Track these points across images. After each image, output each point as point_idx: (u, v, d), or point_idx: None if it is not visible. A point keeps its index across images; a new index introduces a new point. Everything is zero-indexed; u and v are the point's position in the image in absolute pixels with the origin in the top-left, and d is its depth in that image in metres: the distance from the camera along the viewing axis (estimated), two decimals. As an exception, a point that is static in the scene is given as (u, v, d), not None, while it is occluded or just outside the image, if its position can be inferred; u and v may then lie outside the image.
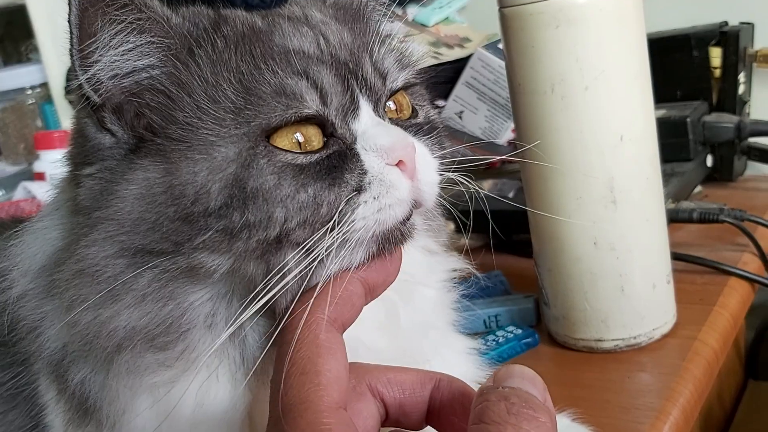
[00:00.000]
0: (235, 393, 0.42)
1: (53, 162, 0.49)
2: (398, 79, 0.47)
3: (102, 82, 0.41)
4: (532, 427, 0.33)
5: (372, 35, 0.46)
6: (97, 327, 0.41)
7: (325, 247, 0.40)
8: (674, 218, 0.83)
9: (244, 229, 0.40)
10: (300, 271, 0.40)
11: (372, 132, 0.43)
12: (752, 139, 1.01)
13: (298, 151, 0.41)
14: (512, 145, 1.04)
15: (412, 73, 0.49)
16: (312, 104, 0.41)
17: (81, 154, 0.44)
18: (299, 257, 0.40)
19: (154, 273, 0.40)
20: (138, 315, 0.40)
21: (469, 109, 1.10)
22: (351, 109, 0.43)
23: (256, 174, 0.40)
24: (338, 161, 0.42)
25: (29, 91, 1.52)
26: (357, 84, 0.44)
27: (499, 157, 0.96)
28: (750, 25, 1.09)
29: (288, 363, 0.36)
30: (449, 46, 1.17)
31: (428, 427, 0.40)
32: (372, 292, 0.42)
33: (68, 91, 1.39)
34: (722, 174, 1.04)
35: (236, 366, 0.42)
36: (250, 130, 0.40)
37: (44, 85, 1.48)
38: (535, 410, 0.34)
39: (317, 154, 0.42)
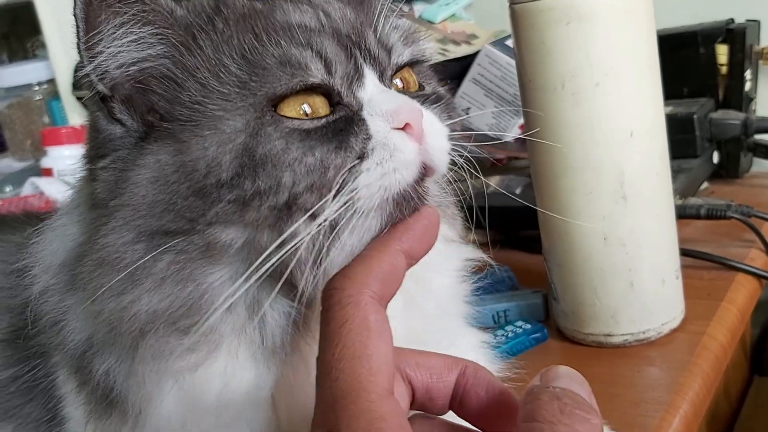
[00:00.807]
0: (258, 373, 0.42)
1: (61, 158, 0.50)
2: (404, 54, 0.47)
3: (108, 72, 0.42)
4: (585, 429, 0.33)
5: (375, 12, 0.47)
6: (120, 313, 0.41)
7: (333, 213, 0.40)
8: (682, 214, 0.83)
9: (256, 197, 0.40)
10: (313, 239, 0.40)
11: (378, 98, 0.43)
12: (758, 136, 1.02)
13: (305, 117, 0.42)
14: (519, 141, 1.04)
15: (419, 50, 0.49)
16: (317, 73, 0.42)
17: (95, 148, 0.45)
18: (309, 223, 0.40)
19: (172, 255, 0.41)
20: (159, 298, 0.41)
21: (476, 105, 1.10)
22: (356, 77, 0.43)
23: (264, 141, 0.40)
24: (345, 125, 0.42)
25: (36, 88, 1.52)
26: (361, 54, 0.44)
27: (512, 154, 0.96)
28: (756, 23, 1.09)
29: (339, 345, 0.36)
30: (456, 43, 1.17)
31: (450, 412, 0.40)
32: (411, 261, 0.41)
33: (76, 86, 1.40)
34: (728, 171, 1.05)
35: (256, 346, 0.42)
36: (256, 101, 0.41)
37: (51, 82, 1.48)
38: (587, 412, 0.34)
39: (324, 119, 0.42)
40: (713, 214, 0.83)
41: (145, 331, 0.41)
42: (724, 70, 1.06)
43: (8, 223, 0.61)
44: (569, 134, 0.63)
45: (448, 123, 0.46)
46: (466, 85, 1.11)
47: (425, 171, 0.43)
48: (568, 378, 0.36)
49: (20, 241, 0.53)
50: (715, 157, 1.02)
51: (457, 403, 0.40)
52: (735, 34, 1.05)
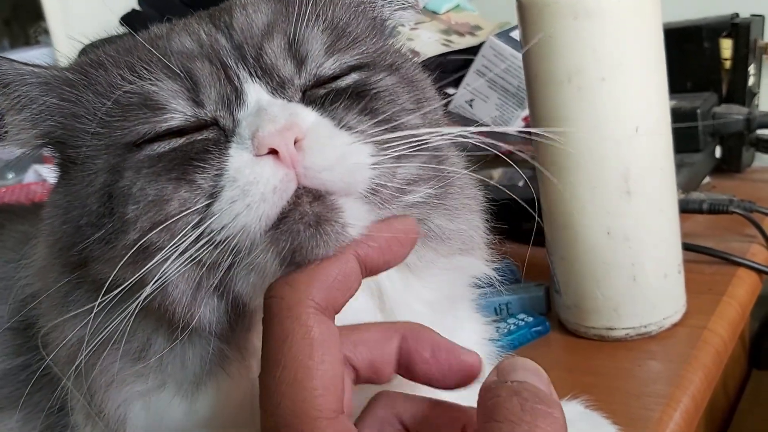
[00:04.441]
0: (187, 407, 0.42)
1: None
2: (325, 64, 0.43)
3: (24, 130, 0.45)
4: (548, 424, 0.32)
5: (301, 14, 0.42)
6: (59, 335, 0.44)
7: (197, 252, 0.37)
8: (684, 209, 0.83)
9: (112, 235, 0.40)
10: (189, 280, 0.39)
11: (249, 120, 0.39)
12: (761, 131, 1.02)
13: (162, 140, 0.40)
14: (523, 134, 1.04)
15: (357, 56, 0.44)
16: (177, 110, 0.40)
17: None
18: (163, 264, 0.38)
19: (80, 287, 0.43)
20: (79, 328, 0.42)
21: (480, 97, 1.10)
22: (234, 96, 0.41)
23: (119, 176, 0.40)
24: (199, 153, 0.39)
25: (38, 74, 1.51)
26: (247, 69, 0.41)
27: (515, 147, 0.96)
28: (761, 18, 1.09)
29: (280, 366, 0.34)
30: (460, 34, 1.17)
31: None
32: (369, 273, 0.39)
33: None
34: (730, 165, 1.05)
35: (180, 380, 0.42)
36: (115, 141, 0.41)
37: (54, 69, 1.47)
38: (549, 406, 0.33)
39: (182, 139, 0.40)
40: (715, 209, 0.83)
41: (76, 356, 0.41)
42: (727, 64, 1.06)
43: (16, 212, 0.62)
44: (575, 129, 0.63)
45: (371, 124, 0.40)
46: (470, 77, 1.11)
47: (315, 193, 0.38)
48: (524, 369, 0.35)
49: (28, 230, 0.53)
50: (718, 152, 1.03)
51: (404, 369, 0.39)
52: (739, 29, 1.05)
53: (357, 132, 0.40)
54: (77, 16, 1.33)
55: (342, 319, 0.38)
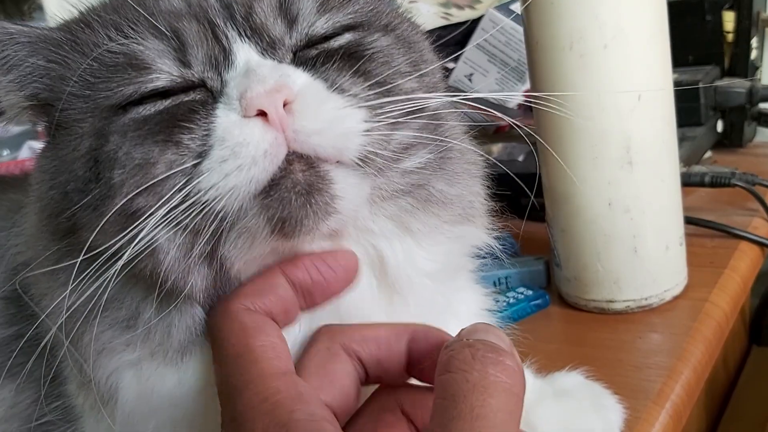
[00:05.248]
0: (178, 375, 0.41)
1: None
2: (316, 23, 0.41)
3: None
4: (498, 371, 0.32)
5: None
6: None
7: (181, 215, 0.36)
8: (686, 182, 0.82)
9: (99, 201, 0.39)
10: (179, 245, 0.38)
11: (237, 80, 0.38)
12: (763, 105, 1.01)
13: (148, 102, 0.39)
14: (522, 107, 1.03)
15: (350, 15, 0.43)
16: (163, 71, 0.39)
17: None
18: (146, 228, 0.37)
19: (69, 253, 0.41)
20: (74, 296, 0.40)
21: (480, 71, 1.09)
22: (222, 57, 0.39)
23: (104, 140, 0.39)
24: (185, 114, 0.38)
25: (32, 51, 1.50)
26: (236, 29, 0.40)
27: (515, 121, 0.95)
28: (764, -10, 1.08)
29: (223, 349, 0.37)
30: (459, 7, 1.16)
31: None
32: (308, 296, 0.40)
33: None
34: (732, 139, 1.04)
35: (165, 349, 0.41)
36: (100, 104, 0.40)
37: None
38: (500, 354, 0.33)
39: (168, 101, 0.39)
40: (718, 182, 0.83)
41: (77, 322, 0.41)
42: (730, 37, 1.05)
43: (8, 182, 0.61)
44: (576, 97, 0.62)
45: (363, 87, 0.39)
46: (470, 51, 1.10)
47: (308, 158, 0.37)
48: (485, 331, 0.35)
49: (20, 198, 0.53)
50: (719, 126, 1.02)
51: (414, 369, 0.39)
52: (742, 1, 1.04)
53: (350, 95, 0.39)
54: None
55: (345, 295, 0.40)
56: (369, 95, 0.39)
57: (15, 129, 1.46)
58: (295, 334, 0.41)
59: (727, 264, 0.73)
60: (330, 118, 0.37)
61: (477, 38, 1.08)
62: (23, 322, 0.48)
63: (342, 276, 0.40)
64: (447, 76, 1.07)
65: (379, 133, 0.39)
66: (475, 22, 1.10)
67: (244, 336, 0.37)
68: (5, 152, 1.28)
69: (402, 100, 0.39)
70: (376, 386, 0.40)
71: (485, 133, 0.85)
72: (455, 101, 0.48)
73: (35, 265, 0.43)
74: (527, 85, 0.82)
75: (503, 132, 1.04)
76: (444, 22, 1.09)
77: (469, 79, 1.08)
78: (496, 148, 0.98)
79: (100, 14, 0.42)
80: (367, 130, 0.38)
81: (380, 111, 0.39)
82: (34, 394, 0.47)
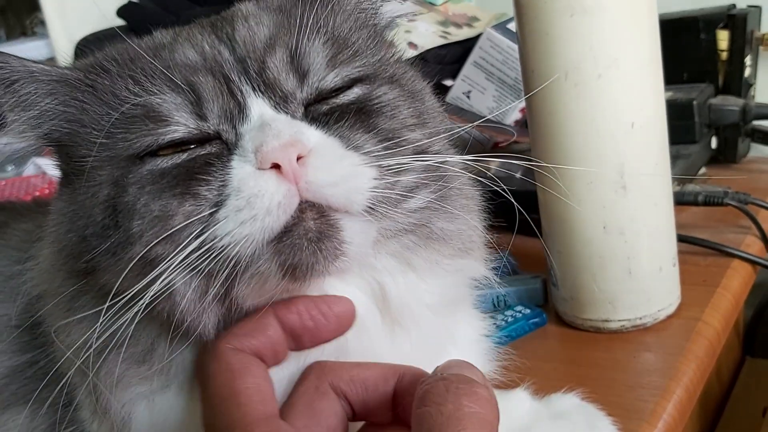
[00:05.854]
0: (189, 406, 0.43)
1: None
2: (327, 77, 0.43)
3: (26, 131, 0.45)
4: (472, 401, 0.34)
5: (303, 27, 0.43)
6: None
7: (196, 261, 0.38)
8: (680, 201, 0.84)
9: (118, 247, 0.40)
10: (194, 291, 0.39)
11: (252, 134, 0.40)
12: (756, 122, 1.03)
13: (166, 155, 0.41)
14: (519, 125, 1.05)
15: (358, 69, 0.44)
16: (181, 123, 0.41)
17: None
18: (167, 273, 0.38)
19: (85, 293, 0.43)
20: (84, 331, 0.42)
21: (477, 89, 1.11)
22: (237, 111, 0.41)
23: (123, 190, 0.41)
24: (202, 167, 0.40)
25: (36, 66, 1.51)
26: (250, 84, 0.42)
27: (512, 139, 0.97)
28: (757, 9, 1.10)
29: (209, 395, 0.39)
30: (457, 26, 1.17)
31: None
32: (297, 340, 0.41)
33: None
34: (726, 156, 1.06)
35: (180, 384, 0.43)
36: (119, 153, 0.42)
37: (51, 60, 1.47)
38: (473, 385, 0.35)
39: (185, 154, 0.41)
40: (711, 201, 0.84)
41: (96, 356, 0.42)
42: (724, 55, 1.07)
43: (19, 211, 0.62)
44: (571, 125, 0.64)
45: (373, 142, 0.41)
46: (467, 68, 1.11)
47: (319, 208, 0.39)
48: (458, 366, 0.36)
49: (31, 228, 0.54)
50: (714, 143, 1.03)
51: (401, 411, 0.39)
52: (736, 20, 1.05)
53: (364, 153, 0.41)
54: (73, 7, 1.33)
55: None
56: (380, 152, 0.41)
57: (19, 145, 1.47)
58: (285, 368, 0.42)
59: (720, 282, 0.75)
60: (345, 174, 0.40)
61: (474, 56, 1.10)
62: (36, 350, 0.50)
63: (333, 326, 0.42)
64: (445, 94, 1.09)
65: (386, 181, 0.41)
66: (473, 41, 1.12)
67: (230, 377, 0.38)
68: (10, 168, 1.29)
69: (410, 155, 0.42)
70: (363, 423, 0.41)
71: (483, 149, 0.87)
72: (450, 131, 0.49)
73: (51, 299, 0.45)
74: (524, 103, 0.84)
75: (501, 149, 1.05)
76: (442, 41, 1.11)
77: (467, 97, 1.09)
78: (494, 164, 1.00)
79: (117, 61, 0.44)
80: (375, 187, 0.40)
81: (390, 168, 0.41)
82: (49, 419, 0.49)
